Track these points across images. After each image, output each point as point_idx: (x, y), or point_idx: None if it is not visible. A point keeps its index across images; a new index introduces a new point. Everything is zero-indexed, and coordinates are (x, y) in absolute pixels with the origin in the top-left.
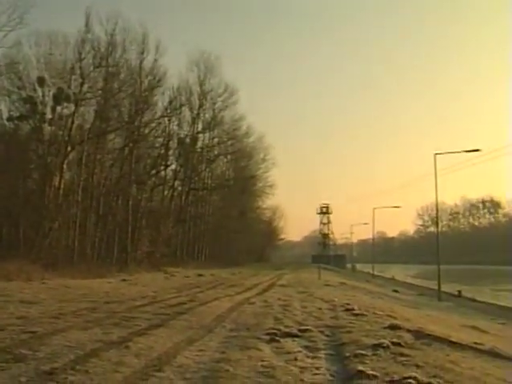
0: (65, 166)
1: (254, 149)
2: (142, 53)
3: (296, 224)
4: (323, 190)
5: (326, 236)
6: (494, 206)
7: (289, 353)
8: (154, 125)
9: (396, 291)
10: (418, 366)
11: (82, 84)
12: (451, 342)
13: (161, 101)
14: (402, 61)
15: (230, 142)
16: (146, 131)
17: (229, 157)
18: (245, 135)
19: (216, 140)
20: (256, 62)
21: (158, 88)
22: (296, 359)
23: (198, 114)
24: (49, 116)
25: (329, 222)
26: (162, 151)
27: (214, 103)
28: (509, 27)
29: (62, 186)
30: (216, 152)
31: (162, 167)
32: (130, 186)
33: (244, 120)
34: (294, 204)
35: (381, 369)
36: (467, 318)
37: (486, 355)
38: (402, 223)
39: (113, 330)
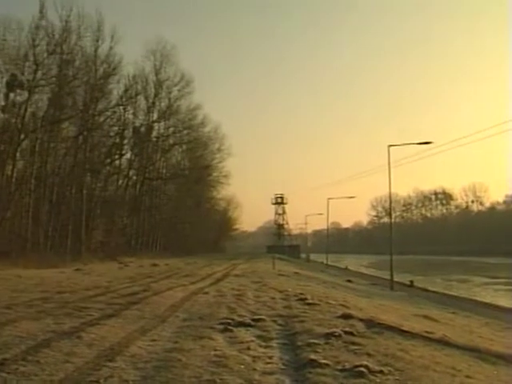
0: (18, 154)
1: (209, 139)
2: (97, 40)
3: (251, 214)
4: (278, 181)
5: (280, 226)
6: (446, 197)
7: (242, 342)
8: (108, 113)
9: (349, 281)
10: (369, 355)
11: (35, 71)
12: (402, 330)
13: (116, 89)
14: (355, 53)
15: (185, 132)
16: (101, 120)
17: (184, 146)
18: (200, 125)
19: (171, 129)
20: (213, 53)
21: (113, 76)
22: (249, 348)
23: (154, 102)
24: (1, 103)
25: (284, 213)
26: (117, 140)
27: (170, 92)
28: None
29: (15, 175)
30: (171, 141)
31: (117, 156)
32: (84, 174)
33: (200, 109)
34: (249, 194)
35: (333, 357)
36: (419, 308)
37: (436, 344)
38: (356, 214)
39: (65, 320)
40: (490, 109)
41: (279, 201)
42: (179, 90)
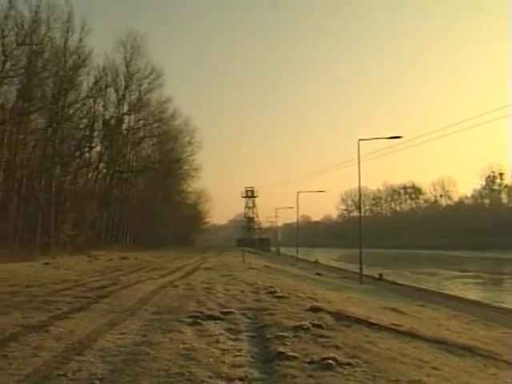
0: None
1: (180, 132)
2: (67, 31)
3: (222, 208)
4: (249, 174)
5: (250, 220)
6: (415, 191)
7: (211, 335)
8: (78, 105)
9: (319, 274)
10: (337, 347)
11: (4, 62)
12: (370, 323)
13: (86, 81)
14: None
15: (155, 125)
16: (71, 112)
17: (154, 139)
18: (171, 118)
19: (142, 122)
20: (185, 46)
21: (83, 68)
22: (218, 341)
23: (124, 95)
24: None
25: (254, 206)
26: (87, 133)
27: (141, 85)
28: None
29: None
30: (141, 134)
31: (87, 149)
32: (53, 167)
33: (170, 102)
34: (219, 187)
35: (301, 350)
36: (387, 301)
37: (403, 336)
38: (326, 207)
39: (33, 314)
40: (459, 105)
41: (249, 194)
42: (150, 83)
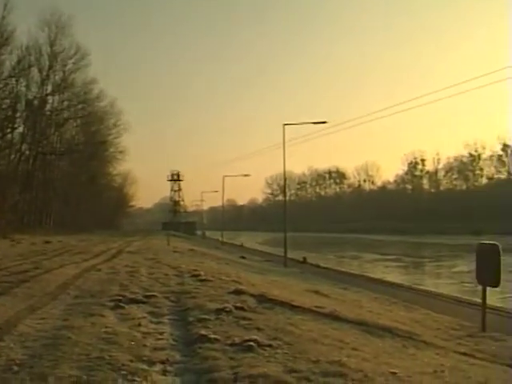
0: None
1: (105, 113)
2: None
3: (147, 191)
4: (175, 158)
5: (176, 203)
6: (339, 176)
7: (133, 319)
8: (0, 85)
9: (244, 258)
10: (259, 329)
11: None
12: (293, 305)
13: (8, 60)
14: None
15: (80, 106)
16: None
17: (79, 121)
18: (96, 99)
19: (66, 103)
20: (112, 27)
21: (5, 47)
22: (140, 325)
23: (48, 75)
24: None
25: (179, 189)
26: (9, 113)
27: (65, 65)
28: None
29: None
30: (66, 115)
31: (9, 130)
32: None
33: (96, 84)
34: (145, 170)
35: (223, 332)
36: (311, 283)
37: (325, 318)
38: (252, 191)
39: None
40: (382, 92)
41: (175, 177)
42: (74, 63)
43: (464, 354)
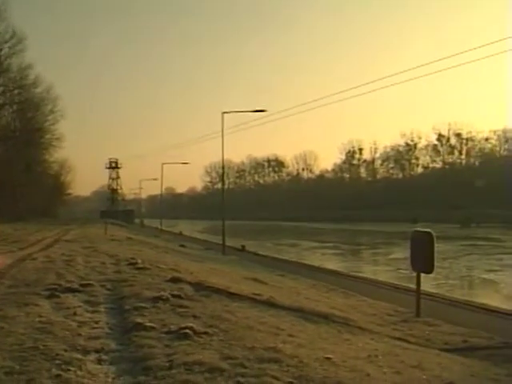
0: None
1: (41, 100)
2: None
3: (85, 178)
4: (113, 145)
5: (114, 191)
6: (278, 164)
7: (68, 308)
8: None
9: (183, 246)
10: (195, 317)
11: None
12: (230, 293)
13: None
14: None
15: (16, 92)
16: None
17: (15, 107)
18: (32, 85)
19: (1, 89)
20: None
21: None
22: (75, 314)
23: None
24: None
25: (118, 177)
26: None
27: (0, 49)
28: None
29: None
30: (1, 101)
31: None
32: None
33: (32, 69)
34: (83, 158)
35: (159, 320)
36: (249, 271)
37: (262, 305)
38: (191, 180)
39: None
40: (323, 80)
41: (113, 165)
42: (10, 48)
43: (398, 338)
